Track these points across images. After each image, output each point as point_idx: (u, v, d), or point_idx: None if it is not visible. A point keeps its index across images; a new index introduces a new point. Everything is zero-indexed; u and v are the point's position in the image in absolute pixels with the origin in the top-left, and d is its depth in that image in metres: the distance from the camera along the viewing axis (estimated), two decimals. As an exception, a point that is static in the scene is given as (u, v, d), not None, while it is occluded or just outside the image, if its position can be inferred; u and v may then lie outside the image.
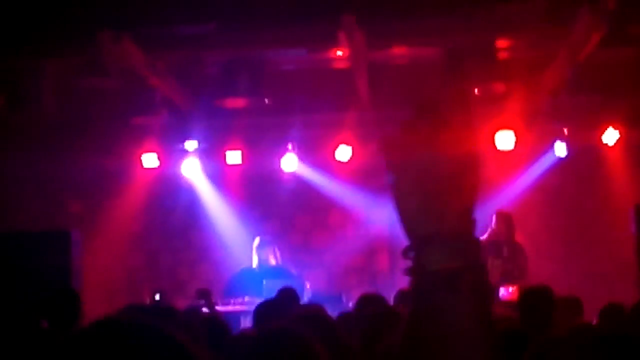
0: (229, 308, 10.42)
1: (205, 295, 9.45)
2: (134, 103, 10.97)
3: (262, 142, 12.84)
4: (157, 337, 1.54)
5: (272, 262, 11.20)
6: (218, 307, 10.26)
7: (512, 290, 10.11)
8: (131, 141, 12.39)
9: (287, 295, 7.64)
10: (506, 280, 10.58)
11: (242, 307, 10.32)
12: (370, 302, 6.42)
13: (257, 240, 11.37)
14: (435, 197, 1.59)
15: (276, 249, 11.34)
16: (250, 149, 12.87)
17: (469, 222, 1.62)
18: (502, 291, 9.71)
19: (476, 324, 1.54)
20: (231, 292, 10.90)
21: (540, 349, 1.88)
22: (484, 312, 1.57)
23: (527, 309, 6.57)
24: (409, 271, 1.59)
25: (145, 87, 10.56)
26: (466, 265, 1.56)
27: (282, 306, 6.74)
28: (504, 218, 11.15)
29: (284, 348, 2.36)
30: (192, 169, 13.15)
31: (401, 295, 7.89)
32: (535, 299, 6.55)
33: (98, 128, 11.90)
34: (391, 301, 8.02)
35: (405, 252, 1.60)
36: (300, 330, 2.57)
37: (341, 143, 12.71)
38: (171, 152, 12.97)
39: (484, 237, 11.05)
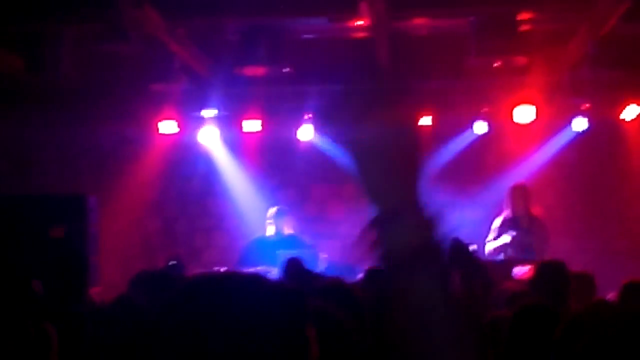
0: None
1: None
2: (153, 69, 10.95)
3: (280, 111, 12.81)
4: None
5: (287, 231, 11.20)
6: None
7: (528, 268, 10.04)
8: (149, 108, 12.39)
9: (295, 266, 7.61)
10: (527, 254, 10.45)
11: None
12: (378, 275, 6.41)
13: (272, 210, 11.37)
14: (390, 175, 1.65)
15: (291, 219, 11.34)
16: (268, 117, 12.85)
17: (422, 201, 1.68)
18: (517, 269, 9.64)
19: (438, 301, 1.58)
20: (245, 260, 10.90)
21: (573, 325, 1.87)
22: (444, 290, 1.60)
23: (542, 285, 6.50)
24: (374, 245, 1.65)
25: (164, 53, 10.52)
26: (424, 243, 1.61)
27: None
28: (520, 191, 11.02)
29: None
30: (210, 137, 13.15)
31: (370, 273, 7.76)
32: (550, 274, 6.50)
33: (116, 94, 11.89)
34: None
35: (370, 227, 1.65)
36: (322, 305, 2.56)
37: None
38: (189, 120, 12.97)
39: (503, 213, 10.97)
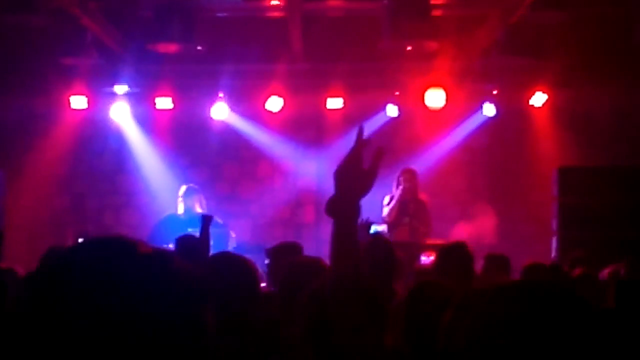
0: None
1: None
2: (63, 43, 10.76)
3: (193, 89, 12.77)
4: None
5: (198, 210, 11.17)
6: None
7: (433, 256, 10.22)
8: (60, 82, 12.20)
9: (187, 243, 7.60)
10: (414, 238, 10.75)
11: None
12: (287, 251, 6.45)
13: (183, 188, 11.33)
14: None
15: (202, 198, 11.31)
16: (180, 95, 12.79)
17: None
18: (423, 258, 9.80)
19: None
20: (155, 238, 10.83)
21: (462, 302, 1.91)
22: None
23: (444, 267, 6.56)
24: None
25: (75, 26, 10.36)
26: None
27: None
28: (412, 174, 11.25)
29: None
30: (121, 113, 13.04)
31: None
32: (452, 256, 6.58)
33: (26, 67, 11.69)
34: (317, 253, 8.05)
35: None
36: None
37: (272, 94, 12.69)
38: (100, 95, 12.83)
39: (394, 194, 11.18)
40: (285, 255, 6.10)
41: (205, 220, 7.69)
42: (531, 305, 1.75)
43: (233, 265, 3.84)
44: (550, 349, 1.70)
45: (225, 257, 4.06)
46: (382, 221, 11.10)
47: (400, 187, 11.13)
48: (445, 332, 1.86)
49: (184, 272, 1.59)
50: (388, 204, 11.13)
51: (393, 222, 11.06)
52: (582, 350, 1.71)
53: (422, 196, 11.30)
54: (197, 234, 7.93)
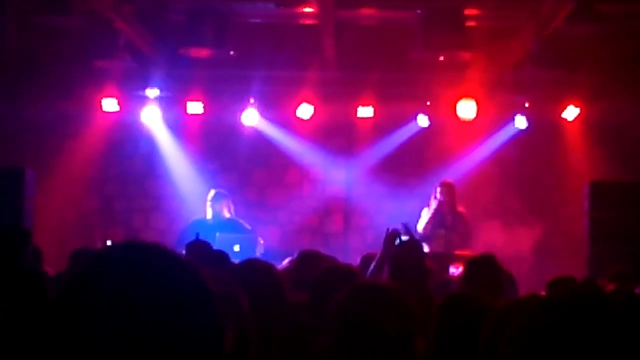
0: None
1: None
2: (96, 45, 10.82)
3: (224, 94, 12.78)
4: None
5: (226, 215, 11.17)
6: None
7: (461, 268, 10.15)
8: (92, 84, 12.26)
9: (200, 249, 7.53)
10: (450, 249, 10.70)
11: (193, 257, 10.28)
12: (310, 260, 6.40)
13: (212, 193, 11.34)
14: None
15: (230, 203, 11.31)
16: (211, 100, 12.81)
17: None
18: (452, 270, 9.75)
19: None
20: (183, 242, 10.83)
21: (503, 314, 1.89)
22: None
23: (472, 278, 6.50)
24: None
25: (109, 29, 10.41)
26: None
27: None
28: (448, 188, 11.23)
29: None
30: (152, 117, 13.07)
31: (365, 259, 7.86)
32: (480, 268, 6.52)
33: (59, 68, 11.74)
34: (345, 261, 8.01)
35: None
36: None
37: (303, 101, 12.68)
38: (132, 98, 12.87)
39: (430, 207, 11.16)
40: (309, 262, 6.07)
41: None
42: (572, 318, 1.74)
43: (261, 272, 3.82)
44: None
45: (253, 264, 4.04)
46: (417, 234, 11.08)
47: (436, 200, 11.10)
48: (485, 342, 1.85)
49: (211, 283, 1.58)
50: (425, 219, 11.12)
51: (428, 235, 11.01)
52: None
53: (460, 209, 11.26)
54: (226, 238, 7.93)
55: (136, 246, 1.60)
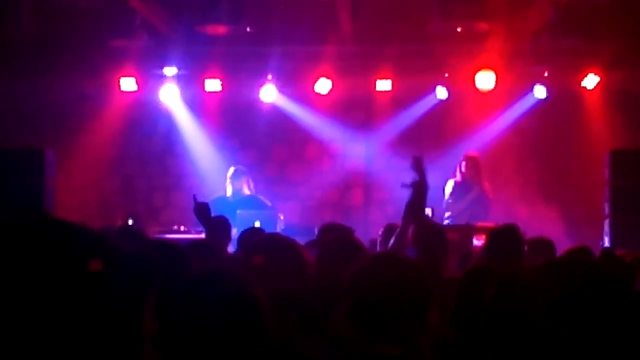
0: (202, 235, 10.40)
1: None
2: (113, 25, 10.85)
3: (242, 71, 12.77)
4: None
5: (246, 192, 11.19)
6: (191, 235, 10.30)
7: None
8: (109, 64, 12.28)
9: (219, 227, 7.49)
10: (473, 220, 10.70)
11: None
12: (332, 231, 6.42)
13: (231, 170, 11.34)
14: None
15: (250, 180, 11.32)
16: (229, 77, 12.80)
17: None
18: (475, 241, 9.74)
19: None
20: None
21: (503, 283, 1.92)
22: None
23: (494, 250, 6.49)
24: None
25: (125, 9, 10.43)
26: None
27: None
28: (473, 161, 11.23)
29: (219, 289, 2.41)
30: (170, 95, 13.08)
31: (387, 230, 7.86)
32: (502, 239, 6.51)
33: (76, 49, 11.76)
34: (365, 235, 8.04)
35: None
36: (236, 272, 2.59)
37: (321, 76, 12.66)
38: (150, 77, 12.89)
39: (455, 179, 11.18)
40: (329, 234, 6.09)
41: (201, 211, 7.39)
42: (566, 283, 1.78)
43: (283, 247, 3.82)
44: (583, 324, 1.72)
45: (275, 239, 4.05)
46: (445, 207, 11.11)
47: (461, 173, 11.13)
48: (487, 308, 1.89)
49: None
50: (450, 191, 11.14)
51: (450, 205, 11.07)
52: (614, 325, 1.73)
53: (484, 181, 11.27)
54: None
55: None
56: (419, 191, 5.03)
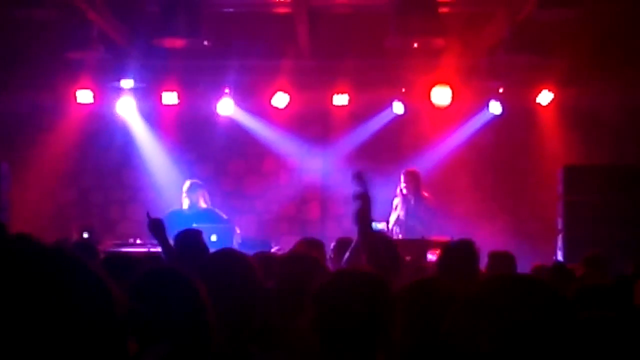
0: (157, 249, 10.35)
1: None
2: (69, 37, 10.76)
3: (199, 84, 12.77)
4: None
5: (203, 205, 11.16)
6: (146, 248, 10.24)
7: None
8: (66, 76, 12.21)
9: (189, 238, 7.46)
10: (411, 234, 10.83)
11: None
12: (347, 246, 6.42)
13: (187, 183, 11.31)
14: None
15: (206, 194, 11.29)
16: (186, 90, 12.79)
17: None
18: (430, 256, 9.77)
19: None
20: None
21: (463, 296, 1.95)
22: None
23: (448, 264, 6.45)
24: None
25: (82, 20, 10.36)
26: None
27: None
28: (411, 176, 11.38)
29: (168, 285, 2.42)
30: (127, 108, 13.04)
31: (339, 245, 7.90)
32: (456, 252, 6.51)
33: (32, 60, 11.70)
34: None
35: None
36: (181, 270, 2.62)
37: (278, 90, 12.68)
38: (106, 90, 12.83)
39: (397, 195, 11.30)
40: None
41: (156, 228, 7.33)
42: (506, 297, 1.83)
43: (234, 261, 3.85)
44: (527, 335, 1.76)
45: (226, 254, 4.07)
46: (393, 222, 11.25)
47: (398, 188, 11.29)
48: (447, 324, 1.92)
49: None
50: (395, 208, 11.29)
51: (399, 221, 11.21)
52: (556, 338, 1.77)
53: (424, 194, 11.38)
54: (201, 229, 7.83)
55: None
56: (364, 201, 5.05)
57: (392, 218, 11.31)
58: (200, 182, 11.36)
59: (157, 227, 7.19)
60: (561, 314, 1.81)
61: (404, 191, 11.32)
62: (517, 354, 1.77)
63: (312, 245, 6.88)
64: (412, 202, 11.26)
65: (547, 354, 1.77)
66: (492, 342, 1.78)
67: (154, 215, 7.33)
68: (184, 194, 11.17)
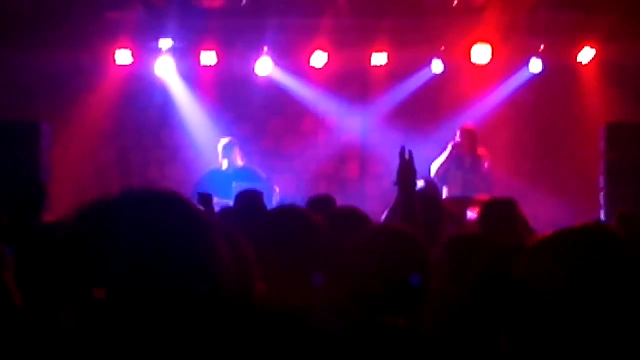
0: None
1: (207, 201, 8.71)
2: (109, -4, 10.81)
3: (238, 44, 12.73)
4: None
5: (240, 163, 11.18)
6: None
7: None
8: (105, 36, 12.23)
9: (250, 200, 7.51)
10: (469, 191, 10.69)
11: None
12: (321, 203, 6.42)
13: (222, 142, 11.32)
14: None
15: (241, 151, 11.29)
16: (225, 50, 12.77)
17: None
18: (469, 214, 9.72)
19: None
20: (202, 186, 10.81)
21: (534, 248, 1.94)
22: None
23: (489, 222, 6.44)
24: None
25: (120, -20, 10.39)
26: None
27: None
28: (467, 132, 11.23)
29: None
30: (166, 68, 13.04)
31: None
32: (497, 210, 6.48)
33: (71, 21, 11.72)
34: (362, 208, 8.05)
35: None
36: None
37: (317, 49, 12.63)
38: (145, 50, 12.84)
39: (448, 150, 11.16)
40: (321, 207, 6.08)
41: (205, 200, 7.49)
42: (588, 249, 1.81)
43: (296, 217, 3.81)
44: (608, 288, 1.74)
45: (288, 211, 4.03)
46: (437, 178, 11.08)
47: (452, 143, 11.10)
48: (518, 277, 1.90)
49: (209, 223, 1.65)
50: (442, 161, 11.13)
51: (443, 177, 11.00)
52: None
53: (481, 151, 11.26)
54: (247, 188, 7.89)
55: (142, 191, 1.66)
56: (407, 161, 5.02)
57: (435, 167, 11.06)
58: (235, 140, 11.37)
59: (206, 202, 7.31)
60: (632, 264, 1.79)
61: (458, 145, 11.12)
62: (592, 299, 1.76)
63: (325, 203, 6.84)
64: (469, 159, 11.12)
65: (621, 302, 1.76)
66: (568, 286, 1.77)
67: (203, 191, 7.51)
68: (221, 153, 11.20)
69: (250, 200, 7.22)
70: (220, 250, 1.63)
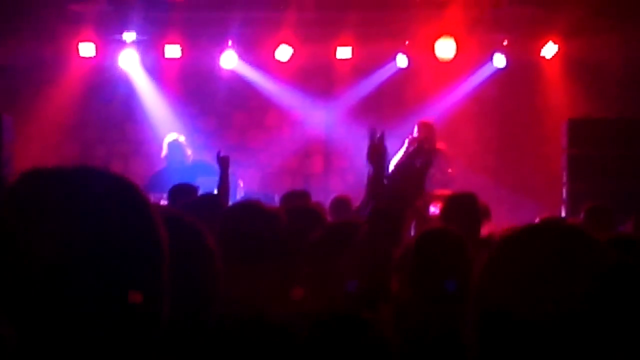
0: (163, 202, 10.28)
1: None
2: (71, -12, 10.71)
3: (202, 37, 12.69)
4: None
5: (189, 158, 10.94)
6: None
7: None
8: (68, 28, 12.15)
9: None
10: (428, 186, 10.67)
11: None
12: (296, 198, 6.43)
13: (171, 138, 11.03)
14: None
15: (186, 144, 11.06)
16: (189, 43, 12.72)
17: None
18: (432, 209, 9.74)
19: None
20: (157, 186, 10.66)
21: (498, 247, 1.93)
22: None
23: (451, 216, 6.46)
24: None
25: (84, -28, 10.31)
26: None
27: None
28: (425, 126, 11.22)
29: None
30: (129, 61, 12.97)
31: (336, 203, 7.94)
32: (459, 205, 6.52)
33: (34, 13, 11.62)
34: (324, 204, 8.08)
35: None
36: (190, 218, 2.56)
37: (282, 42, 12.61)
38: (109, 42, 12.76)
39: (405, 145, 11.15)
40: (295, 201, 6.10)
41: (224, 163, 7.65)
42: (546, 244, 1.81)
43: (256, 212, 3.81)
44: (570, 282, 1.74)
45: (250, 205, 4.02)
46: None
47: (410, 137, 11.09)
48: (481, 276, 1.90)
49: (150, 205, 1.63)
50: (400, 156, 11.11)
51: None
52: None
53: (440, 146, 11.26)
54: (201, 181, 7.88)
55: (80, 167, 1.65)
56: (378, 164, 5.05)
57: (394, 162, 11.03)
58: (180, 136, 11.09)
59: (225, 163, 7.60)
60: (601, 262, 1.79)
61: (416, 140, 11.11)
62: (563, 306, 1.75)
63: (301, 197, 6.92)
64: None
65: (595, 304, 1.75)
66: (532, 285, 1.77)
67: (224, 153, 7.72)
68: (169, 151, 10.92)
69: (188, 195, 7.22)
70: (162, 238, 1.61)
